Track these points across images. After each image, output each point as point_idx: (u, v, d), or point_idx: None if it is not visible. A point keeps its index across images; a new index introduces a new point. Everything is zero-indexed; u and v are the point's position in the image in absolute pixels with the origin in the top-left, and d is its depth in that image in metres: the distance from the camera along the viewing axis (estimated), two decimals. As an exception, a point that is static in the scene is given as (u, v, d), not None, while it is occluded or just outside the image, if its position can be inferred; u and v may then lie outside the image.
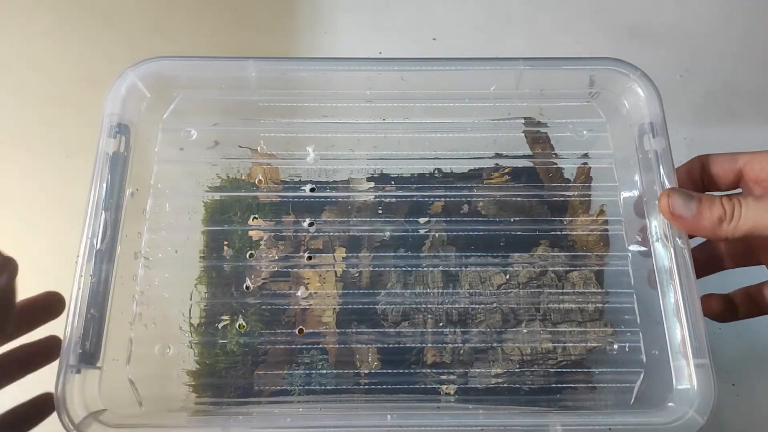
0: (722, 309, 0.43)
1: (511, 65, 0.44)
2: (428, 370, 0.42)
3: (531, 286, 0.44)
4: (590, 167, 0.47)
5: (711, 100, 0.60)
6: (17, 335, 0.36)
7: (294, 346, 0.43)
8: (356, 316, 0.43)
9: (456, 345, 0.43)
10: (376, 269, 0.45)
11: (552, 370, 0.42)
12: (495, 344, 0.43)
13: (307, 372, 0.42)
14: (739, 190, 0.42)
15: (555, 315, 0.43)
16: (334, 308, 0.44)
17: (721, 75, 0.61)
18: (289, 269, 0.45)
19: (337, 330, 0.43)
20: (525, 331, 0.43)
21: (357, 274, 0.45)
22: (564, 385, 0.42)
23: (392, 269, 0.44)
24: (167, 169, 0.45)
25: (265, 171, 0.47)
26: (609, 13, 0.64)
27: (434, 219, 0.46)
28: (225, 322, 0.43)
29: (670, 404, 0.37)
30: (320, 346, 0.43)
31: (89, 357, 0.36)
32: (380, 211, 0.46)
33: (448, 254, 0.45)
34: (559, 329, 0.43)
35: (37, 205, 0.56)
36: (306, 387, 0.42)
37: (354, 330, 0.43)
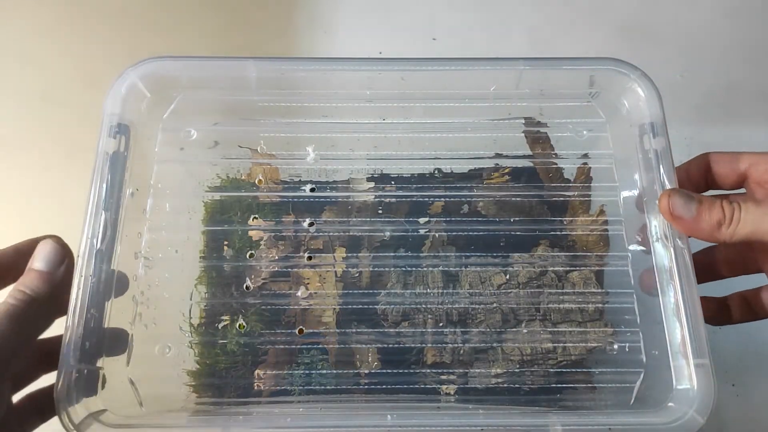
0: (717, 312, 0.43)
1: (511, 65, 0.44)
2: (428, 370, 0.42)
3: (531, 286, 0.44)
4: (590, 167, 0.47)
5: (711, 100, 0.60)
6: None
7: (294, 346, 0.43)
8: (356, 316, 0.43)
9: (456, 345, 0.43)
10: (376, 269, 0.45)
11: (552, 370, 0.42)
12: (495, 344, 0.43)
13: (307, 372, 0.42)
14: (742, 190, 0.42)
15: (555, 315, 0.43)
16: (334, 308, 0.44)
17: (721, 75, 0.61)
18: (289, 269, 0.45)
19: (337, 330, 0.43)
20: (525, 331, 0.43)
21: (357, 274, 0.45)
22: (564, 385, 0.42)
23: (392, 269, 0.44)
24: (167, 169, 0.45)
25: (265, 171, 0.47)
26: (609, 13, 0.64)
27: (434, 219, 0.46)
28: (225, 322, 0.43)
29: (670, 404, 0.37)
30: (320, 346, 0.43)
31: (89, 357, 0.36)
32: (380, 211, 0.46)
33: (448, 254, 0.45)
34: (559, 329, 0.43)
35: (37, 205, 0.56)
36: (306, 387, 0.42)
37: (354, 330, 0.43)
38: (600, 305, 0.43)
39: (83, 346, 0.36)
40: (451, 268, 0.44)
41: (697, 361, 0.36)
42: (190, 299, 0.44)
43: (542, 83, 0.45)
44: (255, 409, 0.42)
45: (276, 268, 0.45)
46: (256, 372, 0.42)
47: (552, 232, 0.46)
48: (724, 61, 0.62)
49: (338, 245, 0.45)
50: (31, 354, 0.36)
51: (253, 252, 0.45)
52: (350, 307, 0.44)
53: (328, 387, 0.42)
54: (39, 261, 0.35)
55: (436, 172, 0.48)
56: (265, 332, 0.43)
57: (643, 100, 0.42)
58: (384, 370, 0.42)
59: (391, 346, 0.43)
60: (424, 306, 0.43)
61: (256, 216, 0.46)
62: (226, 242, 0.45)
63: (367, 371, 0.42)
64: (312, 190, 0.46)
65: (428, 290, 0.44)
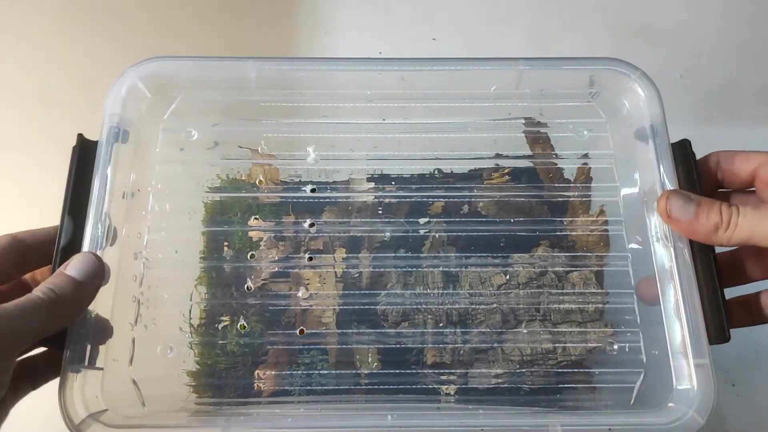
0: None
1: (512, 65, 0.44)
2: (428, 371, 0.42)
3: (531, 287, 0.44)
4: (590, 167, 0.47)
5: (711, 100, 0.60)
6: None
7: (294, 347, 0.43)
8: (356, 317, 0.43)
9: (456, 345, 0.43)
10: (377, 270, 0.45)
11: (552, 370, 0.42)
12: (495, 344, 0.43)
13: (308, 372, 0.42)
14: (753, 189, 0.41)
15: (555, 315, 0.43)
16: (334, 309, 0.44)
17: (721, 75, 0.61)
18: (290, 270, 0.45)
19: (337, 330, 0.43)
20: (525, 331, 0.43)
21: (357, 275, 0.45)
22: (564, 386, 0.42)
23: (392, 270, 0.44)
24: (168, 170, 0.45)
25: (265, 171, 0.47)
26: (609, 13, 0.64)
27: (434, 219, 0.46)
28: (225, 323, 0.43)
29: (670, 404, 0.37)
30: (320, 346, 0.43)
31: (90, 357, 0.36)
32: (380, 212, 0.46)
33: (448, 255, 0.45)
34: (559, 329, 0.43)
35: (37, 205, 0.56)
36: (306, 387, 0.42)
37: (354, 330, 0.43)
38: (600, 305, 0.43)
39: (84, 346, 0.36)
40: (451, 269, 0.44)
41: (697, 361, 0.36)
42: (191, 300, 0.44)
43: (542, 83, 0.45)
44: (255, 410, 0.42)
45: (276, 269, 0.45)
46: (256, 372, 0.42)
47: (552, 233, 0.46)
48: (724, 61, 0.62)
49: (338, 246, 0.45)
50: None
51: (253, 253, 0.45)
52: (350, 307, 0.44)
53: (328, 387, 0.42)
54: (73, 268, 0.35)
55: (437, 172, 0.48)
56: (265, 333, 0.43)
57: (643, 100, 0.42)
58: (384, 371, 0.42)
59: (391, 346, 0.43)
60: (424, 306, 0.43)
61: (257, 216, 0.46)
62: (226, 243, 0.45)
63: (367, 371, 0.42)
64: (312, 190, 0.46)
65: (428, 290, 0.44)
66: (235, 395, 0.42)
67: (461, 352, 0.43)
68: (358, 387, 0.42)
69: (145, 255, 0.43)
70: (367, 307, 0.43)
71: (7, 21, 0.63)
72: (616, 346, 0.43)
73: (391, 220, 0.46)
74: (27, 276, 0.40)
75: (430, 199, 0.46)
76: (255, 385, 0.42)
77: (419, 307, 0.43)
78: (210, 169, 0.47)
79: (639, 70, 0.43)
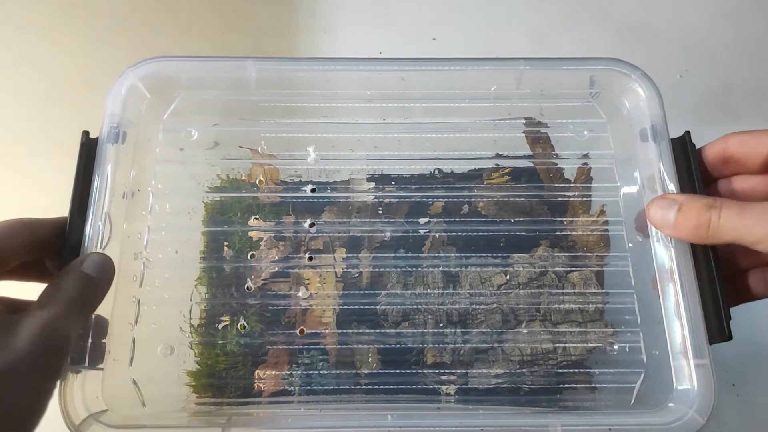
0: None
1: (512, 65, 0.44)
2: (428, 371, 0.42)
3: (531, 287, 0.44)
4: (590, 167, 0.47)
5: (711, 100, 0.60)
6: None
7: (294, 347, 0.43)
8: (356, 317, 0.43)
9: (456, 345, 0.43)
10: (377, 270, 0.45)
11: (552, 370, 0.42)
12: (495, 344, 0.43)
13: (307, 372, 0.42)
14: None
15: (555, 315, 0.43)
16: (335, 309, 0.44)
17: (721, 74, 0.61)
18: (290, 270, 0.45)
19: (337, 330, 0.43)
20: (525, 331, 0.43)
21: (357, 275, 0.45)
22: (564, 386, 0.42)
23: (392, 270, 0.44)
24: (168, 170, 0.45)
25: (265, 171, 0.47)
26: (609, 13, 0.64)
27: (434, 219, 0.46)
28: (225, 323, 0.43)
29: (670, 404, 0.37)
30: (320, 346, 0.43)
31: (90, 358, 0.36)
32: (380, 212, 0.46)
33: (448, 255, 0.45)
34: (560, 329, 0.43)
35: (37, 205, 0.56)
36: (306, 387, 0.42)
37: (354, 330, 0.43)
38: (600, 305, 0.44)
39: (84, 346, 0.36)
40: (451, 269, 0.44)
41: (698, 361, 0.36)
42: (191, 300, 0.44)
43: (543, 83, 0.45)
44: (255, 410, 0.42)
45: (276, 269, 0.45)
46: (256, 372, 0.42)
47: (552, 233, 0.46)
48: (724, 61, 0.62)
49: (338, 246, 0.45)
50: None
51: (253, 253, 0.45)
52: (350, 307, 0.44)
53: (328, 387, 0.42)
54: (89, 266, 0.35)
55: (437, 172, 0.48)
56: (265, 333, 0.43)
57: (643, 100, 0.42)
58: (384, 371, 0.42)
59: (391, 346, 0.43)
60: (424, 306, 0.44)
61: (257, 216, 0.46)
62: (226, 243, 0.45)
63: (367, 371, 0.42)
64: (313, 190, 0.46)
65: (428, 290, 0.44)
66: (236, 395, 0.42)
67: (461, 352, 0.43)
68: (358, 387, 0.42)
69: (145, 255, 0.43)
70: (367, 307, 0.43)
71: (7, 21, 0.63)
72: (616, 346, 0.43)
73: (391, 220, 0.46)
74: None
75: (430, 199, 0.47)
76: (255, 385, 0.42)
77: (419, 307, 0.44)
78: (210, 169, 0.47)
79: (639, 70, 0.43)
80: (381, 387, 0.42)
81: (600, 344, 0.42)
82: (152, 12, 0.64)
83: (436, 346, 0.43)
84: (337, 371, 0.42)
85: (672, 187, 0.39)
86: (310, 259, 0.45)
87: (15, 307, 0.35)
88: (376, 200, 0.46)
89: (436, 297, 0.44)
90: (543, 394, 0.42)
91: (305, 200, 0.46)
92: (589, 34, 0.64)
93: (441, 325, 0.43)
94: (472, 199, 0.46)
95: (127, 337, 0.41)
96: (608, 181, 0.46)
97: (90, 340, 0.36)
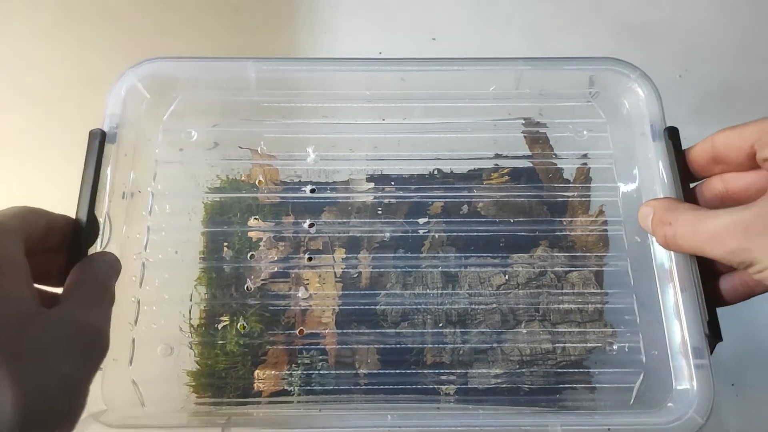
0: None
1: (511, 65, 0.44)
2: (428, 371, 0.42)
3: (530, 287, 0.44)
4: (590, 167, 0.47)
5: (710, 100, 0.60)
6: None
7: (294, 347, 0.43)
8: (356, 317, 0.44)
9: (455, 345, 0.43)
10: (376, 270, 0.45)
11: (552, 370, 0.42)
12: (494, 344, 0.43)
13: (307, 372, 0.42)
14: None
15: (554, 315, 0.43)
16: (334, 309, 0.44)
17: (720, 74, 0.61)
18: (289, 270, 0.45)
19: (337, 330, 0.43)
20: (524, 331, 0.43)
21: (356, 275, 0.45)
22: (563, 386, 0.42)
23: (392, 270, 0.44)
24: (167, 170, 0.45)
25: (265, 172, 0.47)
26: (608, 13, 0.64)
27: (434, 219, 0.46)
28: (225, 323, 0.44)
29: (669, 404, 0.37)
30: (320, 346, 0.43)
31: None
32: (380, 212, 0.47)
33: (447, 255, 0.45)
34: (559, 330, 0.43)
35: (36, 206, 0.56)
36: (306, 387, 0.42)
37: (354, 330, 0.43)
38: (599, 305, 0.44)
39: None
40: (450, 269, 0.44)
41: (697, 361, 0.36)
42: (190, 300, 0.44)
43: (542, 83, 0.45)
44: (255, 410, 0.42)
45: (276, 269, 0.45)
46: (255, 372, 0.42)
47: (551, 233, 0.46)
48: (724, 61, 0.62)
49: (338, 246, 0.45)
50: None
51: (253, 253, 0.45)
52: (350, 307, 0.44)
53: (327, 387, 0.42)
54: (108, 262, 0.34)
55: (436, 172, 0.48)
56: (264, 333, 0.43)
57: (642, 100, 0.42)
58: (383, 371, 0.42)
59: (390, 346, 0.43)
60: (423, 306, 0.44)
61: (257, 217, 0.46)
62: (225, 243, 0.45)
63: (366, 371, 0.42)
64: (312, 191, 0.47)
65: (428, 291, 0.44)
66: (235, 395, 0.42)
67: (461, 352, 0.43)
68: (358, 387, 0.42)
69: (145, 255, 0.43)
70: (366, 307, 0.44)
71: (7, 21, 0.64)
72: (615, 346, 0.43)
73: (391, 220, 0.46)
74: None
75: (430, 200, 0.47)
76: (255, 385, 0.42)
77: (419, 307, 0.44)
78: (210, 169, 0.47)
79: (638, 69, 0.43)
80: (380, 387, 0.42)
81: (599, 344, 0.42)
82: (152, 12, 0.64)
83: (436, 346, 0.43)
84: (337, 371, 0.42)
85: (670, 187, 0.39)
86: (310, 259, 0.45)
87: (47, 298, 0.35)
88: (375, 200, 0.46)
89: (435, 297, 0.44)
90: (542, 394, 0.42)
91: (305, 201, 0.46)
92: (589, 34, 0.64)
93: (440, 325, 0.43)
94: (472, 200, 0.47)
95: (127, 337, 0.41)
96: (607, 181, 0.46)
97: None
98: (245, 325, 0.43)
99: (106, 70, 0.59)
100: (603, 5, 0.65)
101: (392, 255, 0.45)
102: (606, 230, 0.45)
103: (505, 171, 0.47)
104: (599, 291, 0.44)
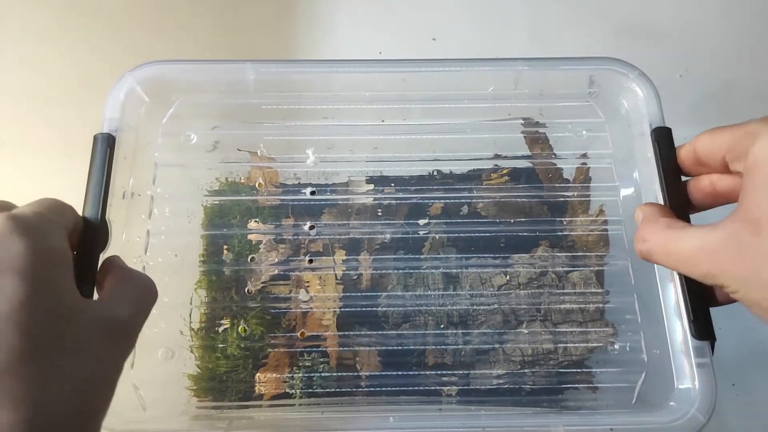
0: None
1: (510, 66, 0.44)
2: (430, 372, 0.42)
3: (531, 287, 0.44)
4: (589, 167, 0.47)
5: (710, 100, 0.60)
6: None
7: (295, 349, 0.43)
8: (357, 319, 0.43)
9: (457, 346, 0.43)
10: (377, 271, 0.45)
11: (553, 370, 0.42)
12: (496, 345, 0.43)
13: (308, 375, 0.42)
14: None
15: (556, 315, 0.43)
16: (335, 311, 0.44)
17: (720, 74, 0.61)
18: (290, 272, 0.45)
19: (338, 332, 0.43)
20: (526, 331, 0.43)
21: (357, 277, 0.45)
22: (565, 386, 0.42)
23: (392, 271, 0.44)
24: (167, 174, 0.45)
25: (264, 174, 0.47)
26: (608, 13, 0.64)
27: (434, 221, 0.46)
28: (225, 326, 0.43)
29: (671, 403, 0.37)
30: (321, 348, 0.43)
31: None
32: (380, 214, 0.46)
33: (448, 256, 0.45)
34: (560, 329, 0.43)
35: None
36: (307, 390, 0.42)
37: (355, 332, 0.43)
38: (600, 305, 0.43)
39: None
40: (451, 270, 0.44)
41: (699, 360, 0.36)
42: (191, 303, 0.44)
43: (541, 83, 0.45)
44: (256, 413, 0.42)
45: (276, 272, 0.45)
46: (256, 375, 0.42)
47: (552, 233, 0.46)
48: (723, 61, 0.61)
49: (338, 248, 0.45)
50: None
51: (253, 256, 0.45)
52: (351, 309, 0.44)
53: (329, 390, 0.42)
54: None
55: (436, 173, 0.48)
56: (265, 335, 0.43)
57: (642, 100, 0.42)
58: (385, 372, 0.42)
59: (392, 348, 0.43)
60: (424, 308, 0.43)
61: (256, 219, 0.46)
62: (225, 246, 0.45)
63: (368, 373, 0.42)
64: (312, 192, 0.46)
65: (429, 292, 0.44)
66: (236, 398, 0.42)
67: (462, 353, 0.43)
68: (360, 389, 0.42)
69: (145, 259, 0.43)
70: (367, 308, 0.43)
71: (7, 21, 0.64)
72: (617, 346, 0.43)
73: (391, 221, 0.46)
74: None
75: (430, 201, 0.46)
76: (256, 388, 0.42)
77: (420, 308, 0.43)
78: (209, 172, 0.47)
79: (637, 69, 0.43)
80: (382, 389, 0.42)
81: (601, 344, 0.42)
82: (152, 12, 0.64)
83: (437, 347, 0.43)
84: (338, 373, 0.42)
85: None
86: (310, 261, 0.45)
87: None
88: (375, 202, 0.46)
89: (436, 298, 0.44)
90: (544, 394, 0.42)
91: (305, 203, 0.46)
92: (589, 34, 0.64)
93: (442, 326, 0.43)
94: (472, 200, 0.46)
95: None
96: (607, 181, 0.45)
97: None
98: (246, 327, 0.43)
99: (106, 71, 0.59)
100: (603, 5, 0.65)
101: (393, 256, 0.45)
102: (606, 230, 0.45)
103: (505, 171, 0.47)
104: (600, 290, 0.44)
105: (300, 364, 0.43)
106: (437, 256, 0.45)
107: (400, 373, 0.42)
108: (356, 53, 0.62)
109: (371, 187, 0.47)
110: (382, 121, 0.47)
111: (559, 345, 0.42)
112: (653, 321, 0.40)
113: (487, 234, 0.45)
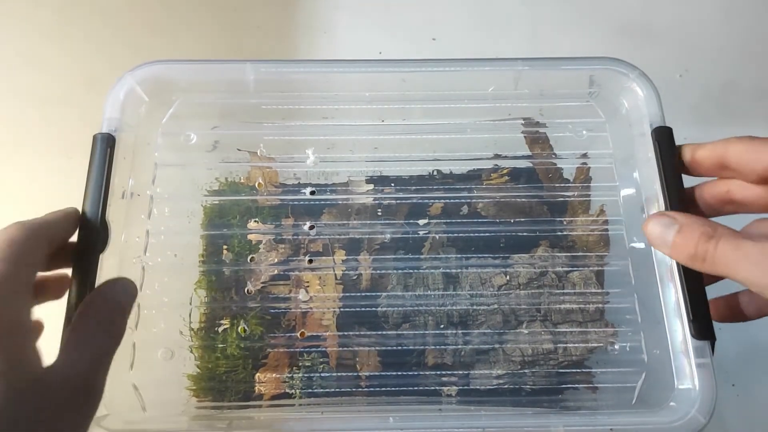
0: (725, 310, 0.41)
1: (510, 65, 0.44)
2: (429, 372, 0.42)
3: (531, 287, 0.44)
4: (590, 167, 0.47)
5: (710, 100, 0.60)
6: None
7: (295, 349, 0.43)
8: (357, 319, 0.43)
9: (457, 346, 0.43)
10: (376, 272, 0.45)
11: (553, 370, 0.42)
12: (496, 345, 0.43)
13: (308, 375, 0.42)
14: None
15: (556, 315, 0.43)
16: (335, 311, 0.44)
17: (720, 74, 0.61)
18: (289, 272, 0.45)
19: (338, 333, 0.43)
20: (526, 331, 0.43)
21: (356, 277, 0.45)
22: (565, 386, 0.42)
23: (392, 271, 0.44)
24: (166, 174, 0.45)
25: (264, 174, 0.47)
26: (608, 13, 0.64)
27: (434, 220, 0.46)
28: (225, 326, 0.43)
29: (671, 404, 0.37)
30: (321, 348, 0.43)
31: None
32: (380, 213, 0.46)
33: (448, 256, 0.45)
34: (560, 330, 0.43)
35: (36, 206, 0.56)
36: (307, 390, 0.42)
37: (355, 332, 0.43)
38: (600, 305, 0.43)
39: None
40: (451, 270, 0.44)
41: (699, 360, 0.36)
42: (190, 303, 0.44)
43: (541, 83, 0.45)
44: (256, 413, 0.42)
45: (276, 272, 0.45)
46: (256, 375, 0.42)
47: (552, 233, 0.46)
48: (724, 61, 0.62)
49: (338, 248, 0.45)
50: None
51: (253, 256, 0.45)
52: (351, 309, 0.44)
53: (329, 390, 0.42)
54: (118, 294, 0.33)
55: (436, 173, 0.48)
56: (265, 335, 0.43)
57: (642, 99, 0.42)
58: (385, 372, 0.42)
59: (391, 348, 0.43)
60: (424, 308, 0.43)
61: (256, 219, 0.46)
62: (225, 246, 0.45)
63: (368, 373, 0.42)
64: (312, 192, 0.46)
65: (429, 292, 0.44)
66: (236, 398, 0.42)
67: (462, 353, 0.43)
68: (360, 389, 0.42)
69: (144, 259, 0.43)
70: (367, 309, 0.43)
71: (7, 21, 0.64)
72: (617, 346, 0.43)
73: (391, 221, 0.46)
74: None
75: (430, 201, 0.46)
76: (256, 388, 0.42)
77: (420, 308, 0.43)
78: (209, 172, 0.47)
79: (637, 69, 0.43)
80: (382, 389, 0.42)
81: (601, 344, 0.42)
82: (152, 12, 0.64)
83: (437, 347, 0.43)
84: (338, 373, 0.42)
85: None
86: (310, 261, 0.45)
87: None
88: (375, 202, 0.46)
89: (436, 298, 0.44)
90: (544, 394, 0.42)
91: (304, 203, 0.46)
92: (589, 34, 0.64)
93: (442, 326, 0.43)
94: (472, 200, 0.46)
95: (127, 341, 0.41)
96: (607, 181, 0.45)
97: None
98: (246, 328, 0.43)
99: (106, 71, 0.59)
100: (603, 5, 0.65)
101: (393, 256, 0.45)
102: (607, 230, 0.45)
103: (505, 171, 0.47)
104: (600, 290, 0.44)
105: (300, 364, 0.43)
106: (437, 256, 0.45)
107: (399, 373, 0.42)
108: (356, 53, 0.62)
109: (371, 187, 0.47)
110: (382, 121, 0.47)
111: (559, 345, 0.42)
112: (653, 321, 0.40)
113: (487, 234, 0.45)
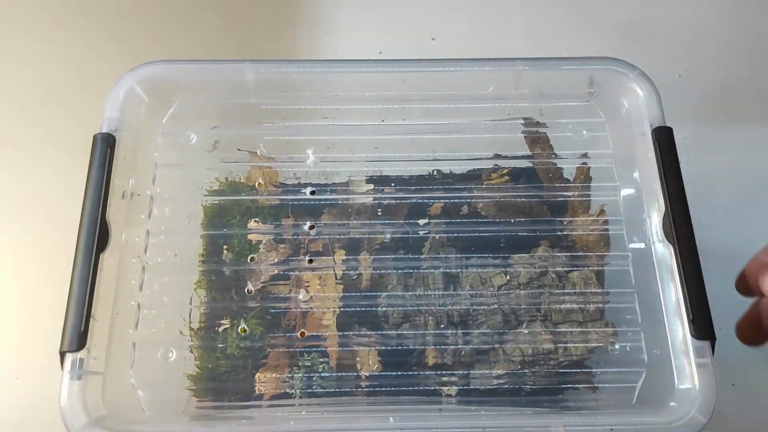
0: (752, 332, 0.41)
1: (510, 65, 0.44)
2: (429, 372, 0.42)
3: (531, 287, 0.44)
4: (590, 167, 0.47)
5: (710, 99, 0.60)
6: None
7: (295, 349, 0.43)
8: (357, 319, 0.43)
9: (457, 346, 0.42)
10: (377, 271, 0.45)
11: (553, 370, 0.42)
12: (496, 345, 0.43)
13: (308, 375, 0.42)
14: None
15: (556, 315, 0.43)
16: (335, 311, 0.44)
17: (720, 74, 0.61)
18: (289, 272, 0.45)
19: (338, 332, 0.43)
20: (526, 331, 0.43)
21: (356, 277, 0.45)
22: (565, 386, 0.42)
23: (392, 271, 0.44)
24: (166, 174, 0.45)
25: (264, 174, 0.47)
26: (608, 13, 0.64)
27: (434, 220, 0.46)
28: (225, 326, 0.43)
29: (672, 404, 0.37)
30: (321, 348, 0.43)
31: (90, 362, 0.36)
32: (380, 213, 0.46)
33: (448, 256, 0.45)
34: (560, 329, 0.43)
35: (36, 206, 0.56)
36: (307, 390, 0.42)
37: (355, 332, 0.43)
38: (601, 305, 0.43)
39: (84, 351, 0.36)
40: (451, 270, 0.44)
41: (699, 360, 0.36)
42: (190, 303, 0.44)
43: (541, 83, 0.45)
44: (256, 413, 0.42)
45: (276, 271, 0.45)
46: (256, 375, 0.42)
47: (552, 233, 0.46)
48: (723, 61, 0.62)
49: (338, 248, 0.45)
50: None
51: (253, 255, 0.45)
52: (351, 309, 0.44)
53: (329, 390, 0.42)
54: None
55: (436, 173, 0.48)
56: (265, 335, 0.43)
57: (642, 99, 0.42)
58: (385, 372, 0.42)
59: (392, 348, 0.43)
60: (424, 307, 0.43)
61: (256, 219, 0.46)
62: (225, 246, 0.45)
63: (368, 373, 0.42)
64: (312, 192, 0.46)
65: (429, 292, 0.44)
66: (236, 398, 0.42)
67: (462, 353, 0.42)
68: (360, 389, 0.42)
69: (144, 259, 0.43)
70: (367, 308, 0.43)
71: (7, 21, 0.64)
72: (617, 346, 0.42)
73: (391, 221, 0.46)
74: None
75: (430, 200, 0.46)
76: (256, 388, 0.42)
77: (420, 308, 0.43)
78: (209, 172, 0.47)
79: (637, 69, 0.43)
80: (382, 389, 0.42)
81: (601, 344, 0.42)
82: (152, 12, 0.64)
83: (437, 347, 0.42)
84: (338, 373, 0.42)
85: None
86: (310, 261, 0.45)
87: None
88: (375, 202, 0.46)
89: (436, 298, 0.44)
90: (544, 394, 0.42)
91: (304, 202, 0.46)
92: (589, 33, 0.64)
93: (442, 326, 0.43)
94: (472, 200, 0.46)
95: (127, 341, 0.41)
96: (607, 181, 0.45)
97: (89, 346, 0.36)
98: (246, 328, 0.43)
99: (106, 71, 0.59)
100: (603, 5, 0.65)
101: (393, 256, 0.45)
102: (607, 230, 0.45)
103: (505, 171, 0.47)
104: (600, 290, 0.44)
105: (300, 364, 0.42)
106: (437, 256, 0.45)
107: (399, 373, 0.42)
108: (356, 53, 0.62)
109: (371, 186, 0.47)
110: (382, 121, 0.47)
111: (559, 345, 0.42)
112: (653, 321, 0.40)
113: (487, 234, 0.45)
